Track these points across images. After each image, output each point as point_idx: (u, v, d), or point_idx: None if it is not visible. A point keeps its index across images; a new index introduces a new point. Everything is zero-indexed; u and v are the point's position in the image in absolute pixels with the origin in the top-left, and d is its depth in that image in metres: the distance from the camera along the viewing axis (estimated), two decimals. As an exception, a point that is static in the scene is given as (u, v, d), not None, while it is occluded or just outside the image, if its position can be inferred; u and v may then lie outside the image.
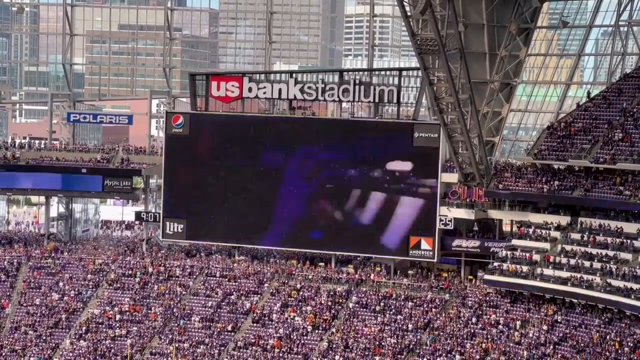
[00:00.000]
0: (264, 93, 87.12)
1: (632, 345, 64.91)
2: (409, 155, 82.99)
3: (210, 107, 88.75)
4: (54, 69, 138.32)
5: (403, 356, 74.72)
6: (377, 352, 75.27)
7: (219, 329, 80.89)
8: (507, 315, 74.70)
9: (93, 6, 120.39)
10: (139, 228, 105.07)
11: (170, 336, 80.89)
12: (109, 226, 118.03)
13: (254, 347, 78.25)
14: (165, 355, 79.32)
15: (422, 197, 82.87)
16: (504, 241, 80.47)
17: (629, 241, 71.59)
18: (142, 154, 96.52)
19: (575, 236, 75.06)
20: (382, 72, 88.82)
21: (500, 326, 73.93)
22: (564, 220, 77.09)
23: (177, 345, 79.61)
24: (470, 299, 78.05)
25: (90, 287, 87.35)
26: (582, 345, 67.60)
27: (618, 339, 65.93)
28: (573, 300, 70.98)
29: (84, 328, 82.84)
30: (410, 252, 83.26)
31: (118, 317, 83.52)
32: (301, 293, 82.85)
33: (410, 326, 77.02)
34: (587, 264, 71.56)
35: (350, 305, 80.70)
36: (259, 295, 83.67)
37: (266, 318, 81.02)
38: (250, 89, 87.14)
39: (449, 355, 73.19)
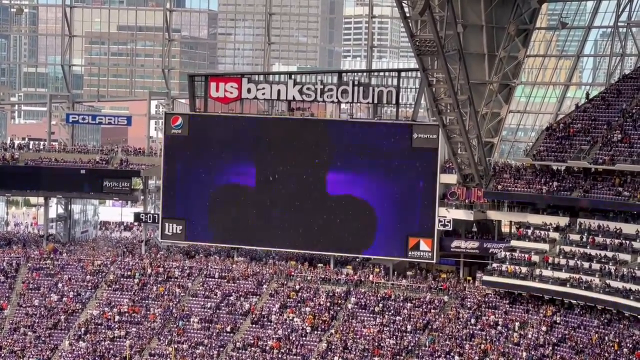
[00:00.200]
0: (263, 94, 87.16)
1: (631, 346, 64.91)
2: (408, 156, 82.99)
3: (209, 108, 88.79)
4: (52, 70, 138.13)
5: (402, 357, 74.71)
6: (376, 353, 75.28)
7: (217, 330, 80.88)
8: (506, 316, 74.69)
9: (92, 7, 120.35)
10: (138, 229, 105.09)
11: (169, 337, 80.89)
12: (108, 227, 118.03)
13: (252, 348, 78.25)
14: (164, 356, 79.31)
15: (421, 198, 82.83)
16: (502, 242, 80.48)
17: (628, 242, 71.59)
18: (141, 155, 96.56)
19: (574, 237, 75.06)
20: (381, 73, 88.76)
21: (499, 327, 73.94)
22: (563, 221, 77.08)
23: (176, 346, 79.59)
24: (469, 300, 78.06)
25: (89, 288, 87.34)
26: (581, 346, 67.60)
27: (617, 340, 65.94)
28: (572, 301, 70.97)
29: (83, 329, 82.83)
30: (409, 253, 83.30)
31: (117, 318, 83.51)
32: (300, 294, 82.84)
33: (409, 327, 77.02)
34: (586, 265, 71.58)
35: (349, 306, 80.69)
36: (257, 296, 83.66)
37: (265, 319, 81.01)
38: (249, 90, 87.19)
39: (447, 356, 73.18)
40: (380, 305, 79.82)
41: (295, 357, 77.12)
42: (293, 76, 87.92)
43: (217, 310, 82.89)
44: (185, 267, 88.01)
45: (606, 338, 66.85)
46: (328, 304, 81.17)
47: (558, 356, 68.15)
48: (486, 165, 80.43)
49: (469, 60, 76.05)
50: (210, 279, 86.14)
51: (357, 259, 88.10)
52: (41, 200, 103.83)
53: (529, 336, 71.36)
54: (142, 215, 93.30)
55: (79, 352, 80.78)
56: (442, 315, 77.60)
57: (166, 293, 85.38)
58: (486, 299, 77.07)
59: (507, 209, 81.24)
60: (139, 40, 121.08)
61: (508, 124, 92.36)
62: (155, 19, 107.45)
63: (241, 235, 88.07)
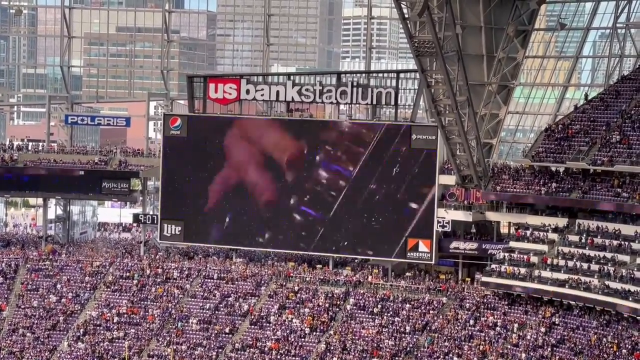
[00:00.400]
0: (262, 95, 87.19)
1: (629, 347, 64.93)
2: (406, 157, 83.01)
3: (207, 109, 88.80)
4: (51, 71, 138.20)
5: (401, 358, 74.71)
6: (374, 354, 75.27)
7: (216, 331, 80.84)
8: (505, 317, 74.68)
9: (91, 8, 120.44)
10: (137, 230, 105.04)
11: (168, 338, 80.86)
12: (107, 228, 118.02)
13: (251, 349, 78.24)
14: (163, 357, 79.28)
15: (420, 199, 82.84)
16: (501, 243, 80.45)
17: (626, 243, 71.58)
18: (139, 156, 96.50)
19: (573, 238, 75.06)
20: (380, 74, 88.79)
21: (498, 328, 73.93)
22: (562, 222, 77.07)
23: (174, 347, 79.57)
24: (467, 301, 78.04)
25: (88, 289, 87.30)
26: (580, 347, 67.60)
27: (616, 341, 65.95)
28: (571, 302, 70.95)
29: (81, 330, 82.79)
30: (408, 254, 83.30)
31: (116, 319, 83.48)
32: (299, 295, 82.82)
33: (408, 328, 77.00)
34: (584, 266, 71.56)
35: (348, 307, 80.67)
36: (256, 298, 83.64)
37: (264, 320, 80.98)
38: (247, 91, 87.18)
39: (446, 357, 73.16)
40: (379, 306, 79.82)
41: (294, 358, 77.10)
42: (292, 77, 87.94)
43: (216, 312, 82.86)
44: (184, 268, 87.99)
45: (605, 339, 66.83)
46: (327, 305, 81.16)
47: (557, 357, 68.15)
48: (485, 167, 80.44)
49: (467, 61, 76.01)
50: (209, 280, 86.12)
51: (356, 260, 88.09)
52: (40, 201, 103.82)
53: (528, 337, 71.35)
54: (141, 217, 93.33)
55: (78, 353, 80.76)
56: (441, 316, 77.59)
57: (165, 294, 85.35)
58: (485, 300, 77.07)
59: (505, 210, 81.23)
60: (138, 42, 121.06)
61: (507, 125, 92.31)
62: (154, 20, 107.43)
63: (240, 237, 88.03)
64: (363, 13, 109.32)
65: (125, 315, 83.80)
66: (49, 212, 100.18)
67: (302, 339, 78.55)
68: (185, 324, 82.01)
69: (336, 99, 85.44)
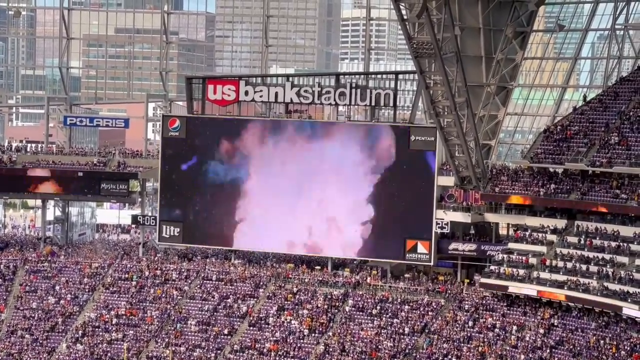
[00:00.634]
0: (261, 96, 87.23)
1: (628, 348, 64.90)
2: (405, 159, 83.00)
3: (206, 111, 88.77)
4: (50, 73, 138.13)
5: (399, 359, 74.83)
6: (373, 355, 75.25)
7: (215, 333, 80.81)
8: (504, 319, 74.65)
9: (90, 10, 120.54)
10: (136, 232, 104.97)
11: (167, 340, 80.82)
12: (105, 230, 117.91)
13: (250, 351, 78.22)
14: (161, 359, 79.21)
15: (419, 200, 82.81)
16: (500, 244, 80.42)
17: (625, 244, 71.61)
18: (138, 157, 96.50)
19: (572, 239, 75.06)
20: (379, 76, 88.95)
21: (496, 330, 73.91)
22: (561, 223, 77.08)
23: (173, 348, 79.54)
24: (466, 302, 78.02)
25: (87, 290, 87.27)
26: (579, 348, 67.59)
27: (615, 343, 65.92)
28: (570, 303, 70.93)
29: (80, 332, 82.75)
30: (407, 255, 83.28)
31: (114, 320, 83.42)
32: (297, 296, 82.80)
33: (406, 330, 76.98)
34: (583, 267, 71.55)
35: (347, 308, 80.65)
36: (255, 299, 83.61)
37: (262, 321, 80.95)
38: (246, 93, 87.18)
39: (445, 358, 73.15)
40: (378, 307, 79.80)
41: (292, 359, 77.04)
42: (291, 78, 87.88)
43: (215, 313, 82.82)
44: (183, 270, 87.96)
45: (603, 341, 66.79)
46: (325, 306, 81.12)
47: (556, 359, 68.16)
48: (484, 168, 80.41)
49: (466, 63, 76.01)
50: (207, 282, 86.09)
51: (355, 262, 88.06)
52: (39, 202, 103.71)
53: (527, 339, 71.32)
54: (140, 218, 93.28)
55: (76, 354, 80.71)
56: (440, 318, 77.56)
57: (163, 295, 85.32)
58: (484, 302, 77.04)
59: (504, 211, 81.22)
60: (137, 43, 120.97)
61: (505, 126, 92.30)
62: (153, 21, 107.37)
63: (239, 238, 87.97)
64: (362, 14, 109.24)
65: (124, 317, 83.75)
66: (48, 213, 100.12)
67: (301, 341, 78.51)
68: (184, 326, 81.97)
69: (335, 100, 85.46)
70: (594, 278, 69.93)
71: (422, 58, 68.77)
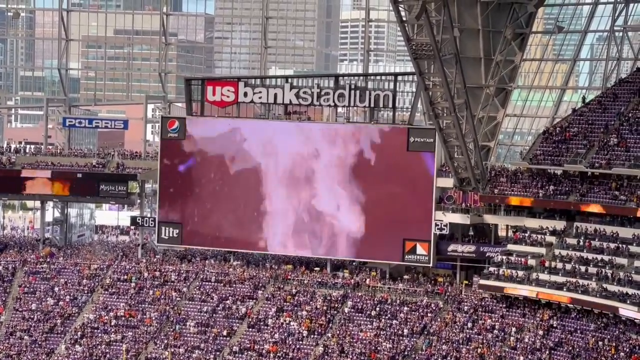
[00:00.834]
0: (260, 98, 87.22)
1: (627, 350, 64.90)
2: (404, 160, 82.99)
3: (205, 112, 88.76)
4: (49, 74, 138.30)
5: (399, 361, 74.76)
6: (372, 357, 75.22)
7: (214, 334, 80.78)
8: (503, 320, 74.62)
9: (89, 11, 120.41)
10: (135, 233, 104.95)
11: (166, 341, 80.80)
12: (105, 231, 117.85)
13: (249, 352, 78.20)
14: (160, 361, 79.30)
15: (418, 202, 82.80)
16: (499, 246, 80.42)
17: (624, 246, 71.63)
18: (137, 158, 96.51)
19: (571, 241, 75.09)
20: (378, 77, 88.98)
21: (495, 331, 73.88)
22: (560, 225, 77.10)
23: (172, 350, 79.50)
24: (465, 303, 77.99)
25: (86, 292, 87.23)
26: (578, 350, 67.58)
27: (614, 344, 65.93)
28: (569, 305, 70.93)
29: (79, 333, 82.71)
30: (406, 256, 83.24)
31: (113, 322, 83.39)
32: (296, 298, 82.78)
33: (405, 331, 76.96)
34: (582, 268, 71.56)
35: (346, 310, 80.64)
36: (254, 300, 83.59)
37: (261, 323, 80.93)
38: (245, 94, 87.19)
39: (444, 360, 73.25)
40: (377, 309, 79.78)
41: (291, 361, 77.15)
42: (290, 80, 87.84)
43: (214, 314, 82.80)
44: (182, 271, 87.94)
45: (602, 342, 66.80)
46: (324, 307, 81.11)
47: (555, 360, 68.22)
48: (483, 169, 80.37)
49: (465, 64, 76.00)
50: (206, 283, 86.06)
51: (354, 263, 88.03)
52: (37, 204, 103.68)
53: (526, 340, 71.32)
54: (139, 219, 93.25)
55: (75, 356, 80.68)
56: (439, 319, 77.55)
57: (162, 297, 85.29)
58: (483, 303, 77.02)
59: (503, 212, 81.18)
60: (136, 44, 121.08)
61: (504, 127, 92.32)
62: (152, 22, 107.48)
63: (237, 239, 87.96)
64: (361, 16, 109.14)
65: (123, 318, 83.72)
66: (47, 214, 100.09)
67: (300, 342, 78.48)
68: (183, 327, 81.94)
69: (334, 101, 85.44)
70: (593, 279, 69.94)
71: (421, 59, 68.76)
